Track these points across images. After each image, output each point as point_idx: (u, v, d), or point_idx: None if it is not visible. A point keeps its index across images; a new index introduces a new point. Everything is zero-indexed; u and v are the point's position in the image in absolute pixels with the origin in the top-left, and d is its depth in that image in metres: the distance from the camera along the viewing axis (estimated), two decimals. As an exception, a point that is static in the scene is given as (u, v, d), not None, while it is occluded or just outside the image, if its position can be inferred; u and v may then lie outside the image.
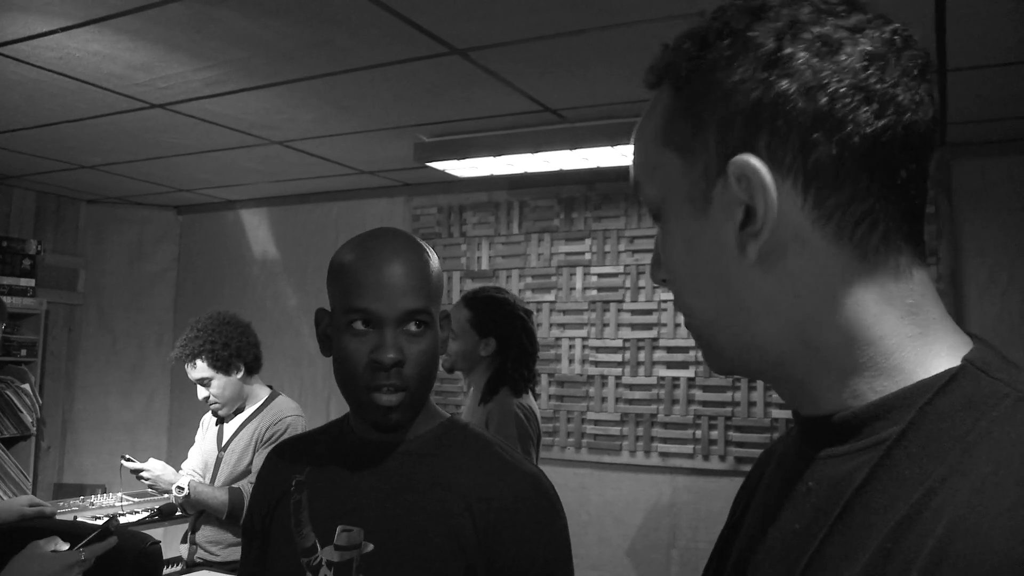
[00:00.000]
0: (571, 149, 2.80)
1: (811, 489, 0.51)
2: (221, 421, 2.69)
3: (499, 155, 2.90)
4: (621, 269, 3.40)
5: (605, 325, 3.41)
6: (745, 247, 0.50)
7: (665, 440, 3.27)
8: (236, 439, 2.60)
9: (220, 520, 2.49)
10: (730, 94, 0.49)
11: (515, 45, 2.10)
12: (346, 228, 3.82)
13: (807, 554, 0.47)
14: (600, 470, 3.38)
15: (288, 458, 1.13)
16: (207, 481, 2.61)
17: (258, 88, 2.50)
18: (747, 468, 0.69)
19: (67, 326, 4.31)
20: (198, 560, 2.52)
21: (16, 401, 3.82)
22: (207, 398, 2.60)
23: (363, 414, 1.04)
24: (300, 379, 4.03)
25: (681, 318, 0.58)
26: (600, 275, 3.44)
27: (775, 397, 3.03)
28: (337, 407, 3.71)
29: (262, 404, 2.65)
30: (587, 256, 3.48)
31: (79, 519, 2.77)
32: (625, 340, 3.37)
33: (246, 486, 2.46)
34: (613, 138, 2.69)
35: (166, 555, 2.38)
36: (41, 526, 2.26)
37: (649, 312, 3.34)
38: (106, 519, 1.57)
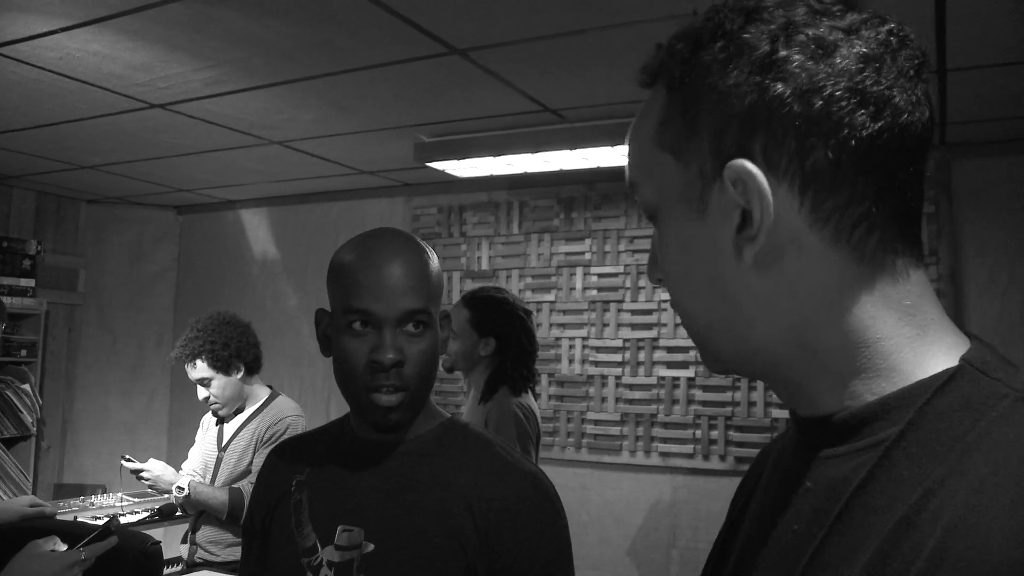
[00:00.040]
0: (571, 149, 2.80)
1: (810, 490, 0.51)
2: (221, 421, 2.69)
3: (499, 155, 2.90)
4: (621, 269, 3.40)
5: (605, 325, 3.41)
6: (742, 251, 0.50)
7: (665, 440, 3.27)
8: (236, 439, 2.60)
9: (220, 520, 2.49)
10: (725, 98, 0.49)
11: (515, 45, 2.10)
12: (346, 228, 3.82)
13: (806, 555, 0.47)
14: (600, 470, 3.38)
15: (288, 458, 1.13)
16: (207, 481, 2.61)
17: (258, 88, 2.50)
18: (747, 468, 0.69)
19: (67, 326, 4.31)
20: (198, 560, 2.52)
21: (16, 401, 3.82)
22: (207, 398, 2.60)
23: (363, 414, 1.04)
24: (300, 379, 4.03)
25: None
26: (600, 275, 3.44)
27: (775, 397, 3.02)
28: (337, 407, 3.71)
29: (262, 404, 2.65)
30: (587, 256, 3.48)
31: (79, 519, 2.77)
32: (625, 340, 3.37)
33: (246, 486, 2.46)
34: (613, 138, 2.69)
35: (166, 555, 2.38)
36: (41, 526, 2.26)
37: (649, 312, 3.34)
38: (107, 519, 1.57)
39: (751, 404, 3.14)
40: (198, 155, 3.36)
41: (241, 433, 2.60)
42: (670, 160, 0.53)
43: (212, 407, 2.64)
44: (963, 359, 0.47)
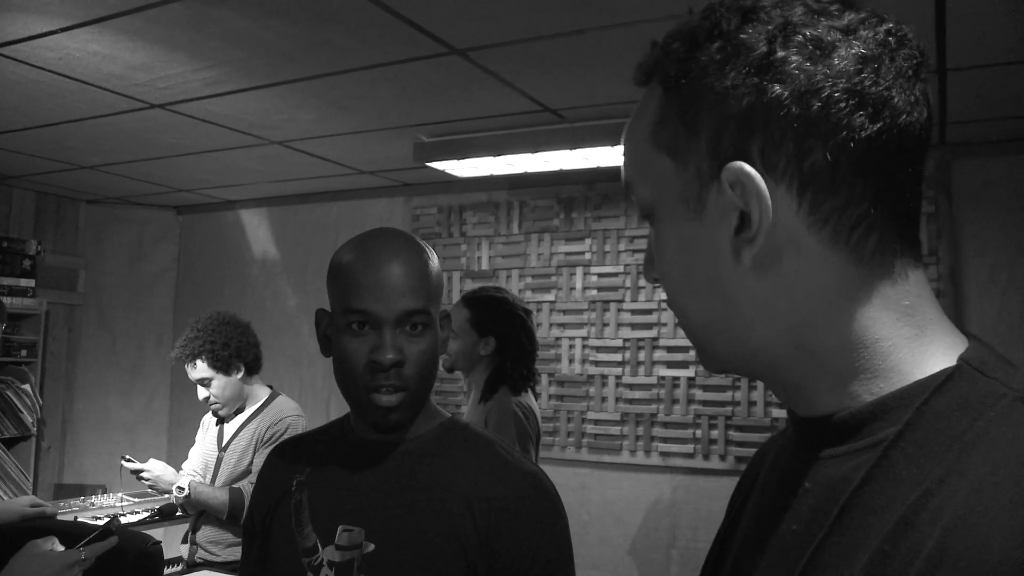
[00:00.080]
0: (571, 149, 2.80)
1: (808, 490, 0.50)
2: (221, 421, 2.69)
3: (499, 155, 2.90)
4: (621, 269, 3.40)
5: (605, 325, 3.41)
6: (740, 252, 0.50)
7: (665, 440, 3.27)
8: (236, 439, 2.60)
9: (220, 520, 2.49)
10: (722, 99, 0.49)
11: (515, 45, 2.10)
12: (346, 228, 3.82)
13: (805, 555, 0.47)
14: (600, 470, 3.38)
15: (289, 458, 1.13)
16: (207, 481, 2.61)
17: (258, 88, 2.50)
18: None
19: (67, 326, 4.31)
20: (199, 560, 2.52)
21: (16, 401, 3.82)
22: (207, 398, 2.60)
23: (363, 414, 1.04)
24: (300, 379, 4.03)
25: (679, 318, 0.58)
26: (600, 275, 3.44)
27: (775, 397, 3.02)
28: (337, 407, 3.71)
29: (262, 404, 2.65)
30: (587, 256, 3.48)
31: (80, 519, 2.77)
32: (625, 340, 3.37)
33: (246, 486, 2.46)
34: (613, 138, 2.69)
35: (167, 555, 2.38)
36: (42, 526, 2.26)
37: (649, 312, 3.34)
38: (107, 519, 1.57)
39: (751, 404, 3.14)
40: (198, 155, 3.36)
41: (241, 433, 2.60)
42: (666, 160, 0.53)
43: (212, 407, 2.64)
44: (961, 359, 0.47)
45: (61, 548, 1.38)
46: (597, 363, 3.42)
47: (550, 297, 3.53)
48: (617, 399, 3.37)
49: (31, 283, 3.95)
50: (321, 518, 1.03)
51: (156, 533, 2.54)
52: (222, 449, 2.62)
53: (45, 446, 4.11)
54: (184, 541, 2.64)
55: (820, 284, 0.49)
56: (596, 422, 3.40)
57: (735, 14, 0.50)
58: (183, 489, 2.46)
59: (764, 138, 0.48)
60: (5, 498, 3.51)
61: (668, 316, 3.29)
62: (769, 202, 0.48)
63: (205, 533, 2.53)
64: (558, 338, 3.49)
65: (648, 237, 0.59)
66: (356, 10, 1.90)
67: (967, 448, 0.43)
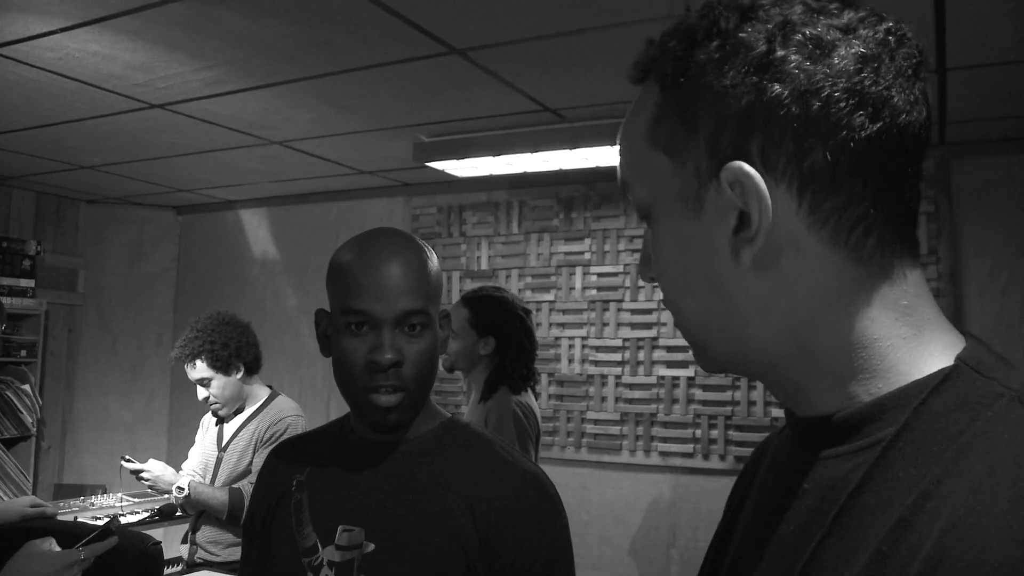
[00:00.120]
0: (570, 149, 2.80)
1: (807, 491, 0.50)
2: (221, 421, 2.69)
3: (498, 155, 2.90)
4: (621, 268, 3.40)
5: (605, 325, 3.41)
6: (739, 252, 0.49)
7: (665, 439, 3.27)
8: (236, 439, 2.60)
9: (220, 520, 2.49)
10: (721, 98, 0.48)
11: (514, 45, 2.10)
12: (346, 228, 3.82)
13: (804, 557, 0.47)
14: (600, 470, 3.39)
15: (288, 458, 1.13)
16: (207, 481, 2.61)
17: (258, 88, 2.50)
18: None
19: (67, 326, 4.31)
20: (198, 560, 2.52)
21: (16, 402, 3.82)
22: (207, 398, 2.60)
23: (362, 415, 1.04)
24: (300, 379, 4.03)
25: (679, 318, 0.58)
26: (600, 275, 3.44)
27: (773, 396, 3.03)
28: (337, 407, 3.71)
29: (262, 404, 2.65)
30: (587, 256, 3.48)
31: (79, 519, 2.77)
32: (625, 340, 3.37)
33: (246, 486, 2.46)
34: (613, 138, 2.67)
35: (167, 555, 2.38)
36: (42, 527, 2.26)
37: (649, 312, 3.34)
38: (107, 519, 1.57)
39: (751, 403, 3.14)
40: (198, 155, 3.36)
41: (241, 433, 2.60)
42: (664, 159, 0.52)
43: (212, 407, 2.64)
44: (958, 358, 0.47)
45: (58, 549, 1.38)
46: (597, 363, 3.42)
47: (550, 297, 3.53)
48: (617, 399, 3.37)
49: (31, 283, 3.95)
50: (321, 518, 1.03)
51: (156, 533, 2.54)
52: (222, 449, 2.62)
53: (45, 446, 4.11)
54: (184, 541, 2.64)
55: (820, 284, 0.49)
56: (596, 422, 3.40)
57: (734, 12, 0.49)
58: (183, 489, 2.46)
59: (764, 137, 0.48)
60: (5, 498, 3.51)
61: (668, 316, 3.29)
62: (769, 202, 0.47)
63: (205, 533, 2.53)
64: (558, 338, 3.49)
65: (644, 237, 0.58)
66: (356, 10, 1.90)
67: (965, 448, 0.43)
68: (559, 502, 1.05)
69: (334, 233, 3.95)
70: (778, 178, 0.48)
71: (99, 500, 3.20)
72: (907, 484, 0.43)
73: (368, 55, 2.19)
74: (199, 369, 2.55)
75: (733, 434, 3.16)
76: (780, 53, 0.47)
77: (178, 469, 2.70)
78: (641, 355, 3.34)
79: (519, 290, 3.54)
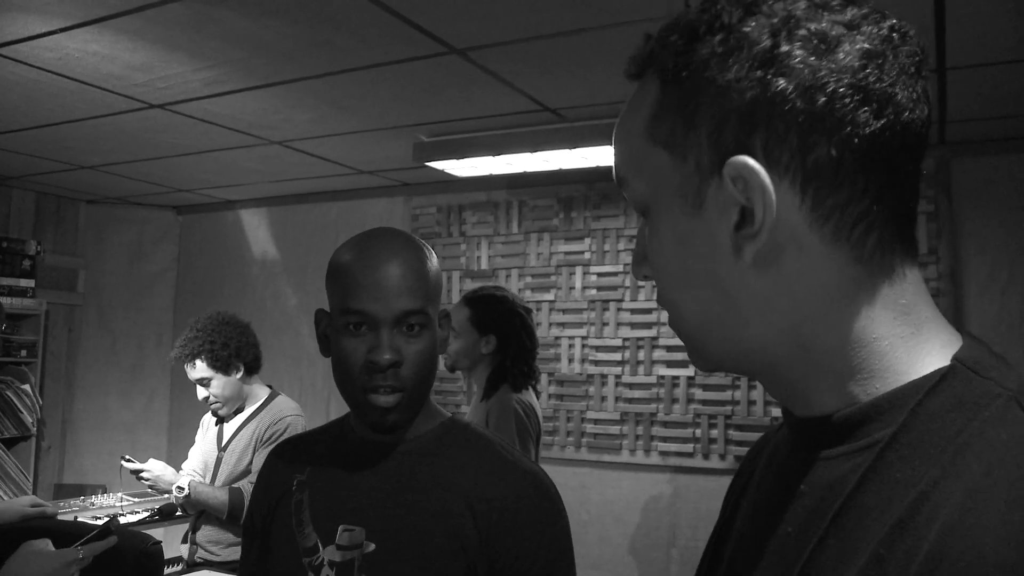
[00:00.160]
0: (570, 148, 2.80)
1: (804, 492, 0.50)
2: (221, 421, 2.69)
3: (498, 154, 2.90)
4: (620, 268, 3.40)
5: (605, 324, 3.41)
6: (741, 249, 0.49)
7: (665, 439, 3.27)
8: (236, 439, 2.60)
9: (220, 520, 2.50)
10: (724, 92, 0.48)
11: (514, 45, 2.10)
12: (346, 228, 3.82)
13: (802, 558, 0.47)
14: (600, 469, 3.39)
15: (289, 458, 1.13)
16: (207, 481, 2.61)
17: (257, 88, 2.50)
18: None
19: (67, 326, 4.31)
20: (199, 560, 2.52)
21: (16, 401, 3.82)
22: (207, 398, 2.60)
23: (361, 415, 1.04)
24: (300, 379, 4.03)
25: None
26: (599, 274, 3.44)
27: (770, 395, 3.03)
28: (337, 407, 3.71)
29: (262, 404, 2.65)
30: (586, 255, 3.48)
31: (80, 519, 2.77)
32: (625, 339, 3.37)
33: (246, 486, 2.46)
34: (612, 137, 2.69)
35: (167, 555, 2.38)
36: (42, 526, 2.26)
37: (648, 311, 3.34)
38: (107, 519, 1.57)
39: (751, 403, 3.14)
40: (197, 155, 3.36)
41: (241, 433, 2.61)
42: (664, 154, 0.52)
43: (212, 407, 2.64)
44: (955, 358, 0.47)
45: (53, 549, 1.38)
46: (597, 362, 3.42)
47: (549, 297, 3.53)
48: (617, 398, 3.37)
49: (31, 283, 3.95)
50: (321, 518, 1.03)
51: (156, 533, 2.54)
52: (222, 449, 2.62)
53: (45, 446, 4.11)
54: (184, 541, 2.64)
55: (820, 282, 0.49)
56: (596, 421, 3.40)
57: (737, 7, 0.49)
58: (183, 489, 2.46)
59: (767, 132, 0.47)
60: (5, 498, 3.52)
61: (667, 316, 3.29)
62: (773, 197, 0.47)
63: (205, 533, 2.54)
64: (558, 337, 3.49)
65: (638, 234, 0.58)
66: (356, 10, 1.90)
67: (962, 449, 0.43)
68: (559, 502, 1.05)
69: (334, 233, 3.95)
70: (781, 173, 0.47)
71: (99, 500, 3.20)
72: (904, 486, 0.43)
73: (368, 55, 2.19)
74: (199, 369, 2.55)
75: (733, 433, 3.16)
76: (785, 48, 0.47)
77: (178, 469, 2.70)
78: (641, 355, 3.34)
79: (519, 290, 3.54)
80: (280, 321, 4.11)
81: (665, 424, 3.28)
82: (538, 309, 3.51)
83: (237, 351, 2.57)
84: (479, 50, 2.15)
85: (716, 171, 0.49)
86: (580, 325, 3.46)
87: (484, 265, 3.70)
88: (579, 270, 3.48)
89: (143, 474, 2.58)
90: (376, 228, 1.09)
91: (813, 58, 0.46)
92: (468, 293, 2.48)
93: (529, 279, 3.59)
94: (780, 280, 0.49)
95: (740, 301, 0.50)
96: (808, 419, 0.52)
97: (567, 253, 3.52)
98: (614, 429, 3.36)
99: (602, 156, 2.87)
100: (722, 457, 3.17)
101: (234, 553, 2.43)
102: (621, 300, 3.39)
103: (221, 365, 2.54)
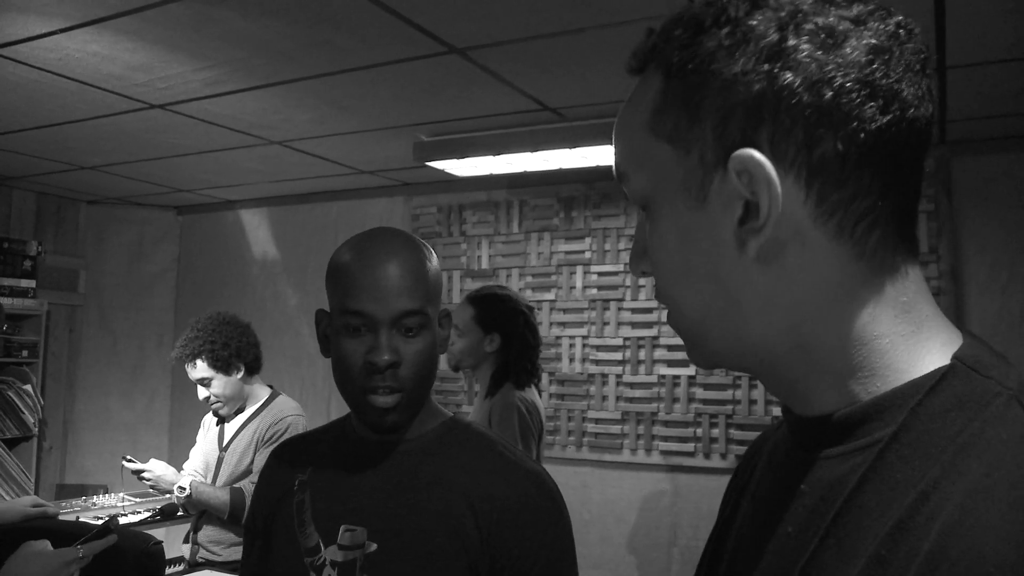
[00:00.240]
0: (570, 148, 2.80)
1: (804, 491, 0.50)
2: (222, 421, 2.69)
3: (498, 154, 2.90)
4: (621, 268, 3.40)
5: (605, 324, 3.41)
6: (745, 243, 0.49)
7: (666, 438, 3.27)
8: (237, 439, 2.61)
9: (222, 520, 2.50)
10: (730, 85, 0.48)
11: (514, 44, 2.10)
12: (346, 228, 3.82)
13: (802, 559, 0.47)
14: (601, 469, 3.39)
15: (290, 458, 1.13)
16: (208, 481, 2.61)
17: (258, 88, 2.50)
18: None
19: (68, 327, 4.31)
20: (200, 560, 2.53)
21: (18, 402, 3.82)
22: (208, 398, 2.60)
23: (361, 415, 1.04)
24: (301, 379, 4.03)
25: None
26: (600, 274, 3.44)
27: (770, 393, 3.03)
28: (338, 407, 3.71)
29: (263, 404, 2.66)
30: (587, 255, 3.48)
31: (81, 519, 2.78)
32: (625, 339, 3.37)
33: (247, 486, 2.46)
34: (612, 137, 2.69)
35: (168, 555, 2.38)
36: (44, 527, 2.26)
37: (649, 311, 3.34)
38: (107, 518, 1.57)
39: (752, 402, 3.14)
40: (198, 155, 3.36)
41: (242, 433, 2.61)
42: (667, 148, 0.51)
43: (213, 407, 2.65)
44: (955, 357, 0.47)
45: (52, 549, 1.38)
46: (597, 362, 3.42)
47: (550, 296, 3.53)
48: (617, 398, 3.37)
49: (32, 284, 3.95)
50: (323, 518, 1.03)
51: (157, 533, 2.54)
52: (223, 449, 2.63)
53: (47, 446, 4.11)
54: (186, 541, 2.65)
55: (823, 278, 0.48)
56: (597, 421, 3.40)
57: (743, 1, 0.49)
58: (184, 489, 2.47)
59: (773, 126, 0.47)
60: (7, 498, 3.52)
61: (668, 315, 3.29)
62: (779, 190, 0.47)
63: (207, 533, 2.54)
64: (558, 337, 3.49)
65: (638, 229, 0.57)
66: (356, 10, 1.90)
67: (962, 449, 0.42)
68: (561, 501, 1.05)
69: (334, 233, 3.95)
70: (787, 168, 0.47)
71: (101, 500, 3.20)
72: (905, 486, 0.43)
73: (368, 55, 2.19)
74: (200, 369, 2.55)
75: (734, 433, 3.16)
76: (792, 42, 0.47)
77: (179, 469, 2.70)
78: (642, 354, 3.34)
79: (520, 289, 3.54)
80: (280, 321, 4.11)
81: (666, 423, 3.28)
82: (539, 309, 3.51)
83: (238, 351, 2.58)
84: (479, 50, 2.15)
85: (721, 165, 0.49)
86: (581, 324, 3.46)
87: (485, 265, 3.70)
88: (580, 269, 3.48)
89: (144, 474, 2.59)
90: (376, 228, 1.09)
91: (820, 52, 0.46)
92: (472, 292, 2.50)
93: (530, 279, 3.59)
94: (782, 276, 0.49)
95: (742, 296, 0.50)
96: (808, 418, 0.52)
97: (567, 252, 3.52)
98: (615, 428, 3.36)
99: (602, 155, 2.87)
100: (723, 456, 3.17)
101: (235, 553, 2.44)
102: (622, 299, 3.39)
103: (222, 365, 2.55)
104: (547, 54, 2.16)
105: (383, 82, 2.41)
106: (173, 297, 4.59)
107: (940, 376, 0.46)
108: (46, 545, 1.36)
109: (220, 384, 2.57)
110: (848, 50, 0.46)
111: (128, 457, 2.66)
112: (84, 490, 3.66)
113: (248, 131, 2.97)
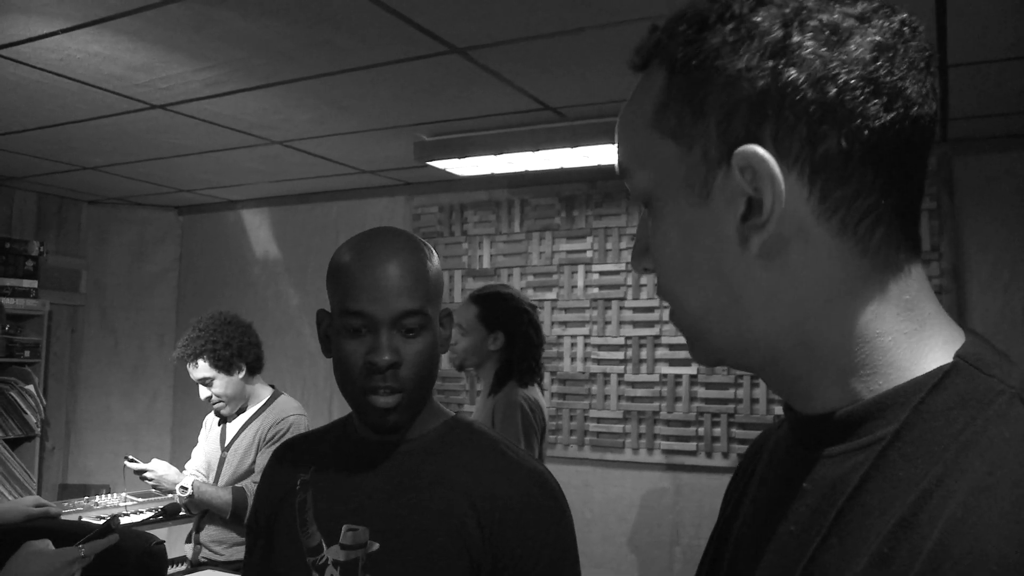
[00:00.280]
0: (571, 147, 2.80)
1: (806, 490, 0.50)
2: (224, 421, 2.70)
3: (499, 153, 2.90)
4: (623, 267, 3.40)
5: (607, 323, 3.41)
6: (748, 240, 0.49)
7: (668, 437, 3.27)
8: (239, 439, 2.61)
9: (224, 520, 2.50)
10: (734, 81, 0.48)
11: (515, 44, 2.10)
12: (346, 228, 3.82)
13: (804, 558, 0.47)
14: (603, 468, 3.39)
15: (292, 457, 1.13)
16: (210, 481, 2.62)
17: (258, 88, 2.50)
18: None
19: (70, 327, 4.32)
20: (202, 560, 2.53)
21: (20, 402, 3.83)
22: (209, 398, 2.60)
23: (362, 416, 1.04)
24: (302, 379, 4.03)
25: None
26: (601, 273, 3.44)
27: (772, 391, 3.03)
28: (339, 406, 3.71)
29: (264, 404, 2.66)
30: (588, 254, 3.48)
31: (84, 519, 2.78)
32: (627, 338, 3.37)
33: (249, 485, 2.46)
34: (613, 135, 2.69)
35: (170, 555, 2.39)
36: (46, 526, 2.27)
37: (651, 309, 3.34)
38: (108, 517, 1.58)
39: (753, 401, 3.14)
40: (199, 155, 3.36)
41: (244, 432, 2.61)
42: (670, 144, 0.51)
43: (215, 407, 2.65)
44: (957, 355, 0.47)
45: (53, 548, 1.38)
46: (599, 361, 3.42)
47: (552, 295, 3.53)
48: (619, 397, 3.37)
49: (33, 284, 3.96)
50: (325, 517, 1.03)
51: (160, 533, 2.55)
52: (225, 448, 2.63)
53: (49, 446, 4.12)
54: (188, 540, 2.65)
55: (826, 276, 0.48)
56: (598, 420, 3.40)
57: None
58: (186, 489, 2.47)
59: (777, 122, 0.47)
60: (10, 498, 3.52)
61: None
62: (783, 186, 0.46)
63: (209, 532, 2.54)
64: (560, 336, 3.49)
65: (639, 226, 0.57)
66: (356, 10, 1.89)
67: (965, 447, 0.42)
68: (563, 501, 1.05)
69: (335, 233, 3.95)
70: (790, 164, 0.47)
71: (103, 500, 3.21)
72: (907, 484, 0.43)
73: (368, 55, 2.19)
74: (201, 369, 2.55)
75: (736, 432, 3.16)
76: (796, 38, 0.47)
77: (181, 469, 2.70)
78: (643, 353, 3.34)
79: (521, 289, 3.54)
80: (282, 321, 4.12)
81: (668, 422, 3.28)
82: (540, 308, 3.50)
83: (239, 351, 2.58)
84: (480, 49, 2.15)
85: (724, 161, 0.49)
86: (582, 324, 3.46)
87: (486, 264, 3.70)
88: (581, 269, 3.48)
89: (147, 474, 2.59)
90: (376, 228, 1.08)
91: (824, 49, 0.46)
92: (475, 291, 2.51)
93: (531, 278, 3.59)
94: (785, 272, 0.49)
95: (744, 293, 0.50)
96: (810, 416, 0.52)
97: (569, 252, 3.52)
98: (617, 428, 3.36)
99: (603, 154, 2.87)
100: (725, 455, 3.17)
101: (238, 553, 2.44)
102: (623, 299, 3.39)
103: (223, 365, 2.55)
104: (547, 54, 2.16)
105: (383, 82, 2.41)
106: (174, 297, 4.59)
107: (943, 374, 0.46)
108: (47, 544, 1.36)
109: (222, 384, 2.57)
110: (852, 47, 0.46)
111: (130, 457, 2.66)
112: (86, 490, 3.67)
113: (249, 131, 2.98)
